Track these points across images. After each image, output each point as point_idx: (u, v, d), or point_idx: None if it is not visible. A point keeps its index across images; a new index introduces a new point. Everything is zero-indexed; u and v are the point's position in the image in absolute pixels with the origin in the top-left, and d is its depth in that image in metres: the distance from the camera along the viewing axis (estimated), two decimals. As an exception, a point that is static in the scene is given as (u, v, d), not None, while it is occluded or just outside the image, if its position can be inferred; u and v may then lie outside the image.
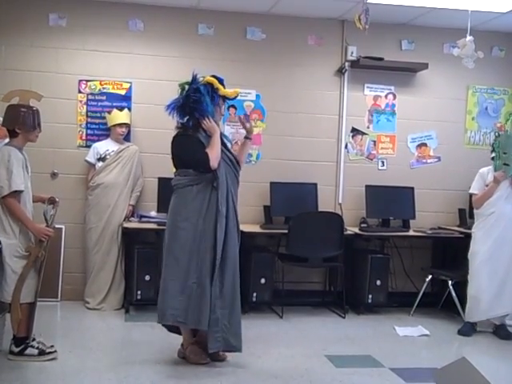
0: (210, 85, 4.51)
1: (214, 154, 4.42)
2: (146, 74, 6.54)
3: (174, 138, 4.59)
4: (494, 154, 5.75)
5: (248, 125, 4.82)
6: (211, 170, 4.43)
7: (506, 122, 6.01)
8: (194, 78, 4.52)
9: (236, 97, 4.71)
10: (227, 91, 4.59)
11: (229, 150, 4.70)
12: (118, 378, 4.27)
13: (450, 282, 6.20)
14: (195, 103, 4.43)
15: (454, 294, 6.16)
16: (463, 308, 6.10)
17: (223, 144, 4.61)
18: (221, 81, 4.59)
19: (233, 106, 6.68)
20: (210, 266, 4.41)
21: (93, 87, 6.42)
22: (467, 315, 5.80)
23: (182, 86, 4.56)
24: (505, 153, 5.66)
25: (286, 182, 6.62)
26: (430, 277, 6.39)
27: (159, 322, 4.61)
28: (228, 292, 4.46)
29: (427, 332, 5.77)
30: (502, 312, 5.72)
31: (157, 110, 6.32)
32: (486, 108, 7.17)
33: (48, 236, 4.47)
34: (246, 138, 4.84)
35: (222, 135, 4.66)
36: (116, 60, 6.48)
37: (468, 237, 6.03)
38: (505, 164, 5.65)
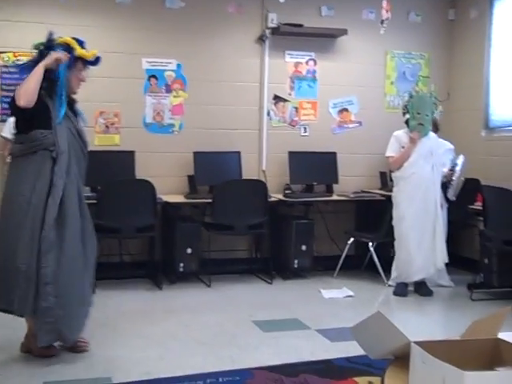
0: (66, 45, 4.01)
1: (23, 88, 3.83)
2: (61, 44, 6.35)
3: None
4: (408, 116, 5.89)
5: None
6: (19, 109, 3.86)
7: (418, 84, 6.16)
8: (50, 39, 4.02)
9: (96, 59, 4.14)
10: (84, 52, 4.06)
11: (77, 122, 4.17)
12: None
13: (370, 244, 6.34)
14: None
15: (374, 255, 6.32)
16: (384, 268, 6.27)
17: (73, 112, 4.14)
18: (81, 43, 4.09)
19: (154, 77, 6.59)
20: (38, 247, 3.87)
21: (6, 59, 6.20)
22: (399, 276, 5.95)
23: (36, 46, 4.05)
24: (419, 113, 5.80)
25: (210, 152, 6.61)
26: (352, 239, 6.52)
27: None
28: (65, 278, 3.90)
29: (351, 293, 5.90)
30: (434, 270, 5.92)
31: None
32: (404, 72, 7.31)
33: None
34: None
35: (73, 107, 4.18)
36: (31, 30, 6.23)
37: (389, 199, 6.17)
38: (419, 124, 5.79)
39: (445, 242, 5.90)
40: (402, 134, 5.96)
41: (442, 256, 5.87)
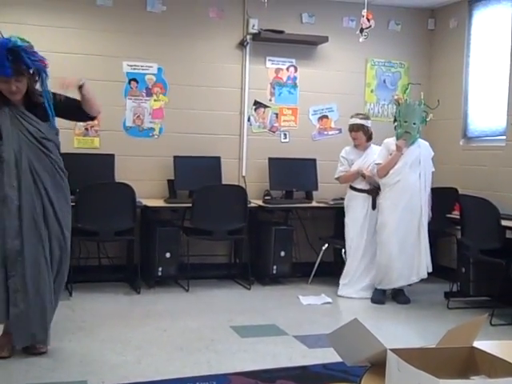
0: None
1: None
2: (41, 45, 6.22)
3: None
4: (396, 124, 5.92)
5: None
6: None
7: (405, 92, 6.21)
8: None
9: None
10: None
11: (36, 121, 4.02)
12: None
13: (342, 250, 6.36)
14: None
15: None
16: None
17: (35, 112, 4.02)
18: (21, 48, 3.97)
19: (134, 80, 6.58)
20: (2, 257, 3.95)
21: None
22: (379, 283, 5.96)
23: None
24: (405, 121, 5.82)
25: (190, 156, 6.61)
26: (326, 245, 6.55)
27: None
28: (30, 284, 3.96)
29: (330, 300, 5.93)
30: (414, 279, 5.92)
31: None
32: (384, 81, 7.37)
33: None
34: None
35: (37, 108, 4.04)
36: (11, 31, 6.19)
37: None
38: (406, 132, 5.82)
39: (429, 252, 5.92)
40: (391, 142, 5.96)
41: (426, 265, 5.89)
